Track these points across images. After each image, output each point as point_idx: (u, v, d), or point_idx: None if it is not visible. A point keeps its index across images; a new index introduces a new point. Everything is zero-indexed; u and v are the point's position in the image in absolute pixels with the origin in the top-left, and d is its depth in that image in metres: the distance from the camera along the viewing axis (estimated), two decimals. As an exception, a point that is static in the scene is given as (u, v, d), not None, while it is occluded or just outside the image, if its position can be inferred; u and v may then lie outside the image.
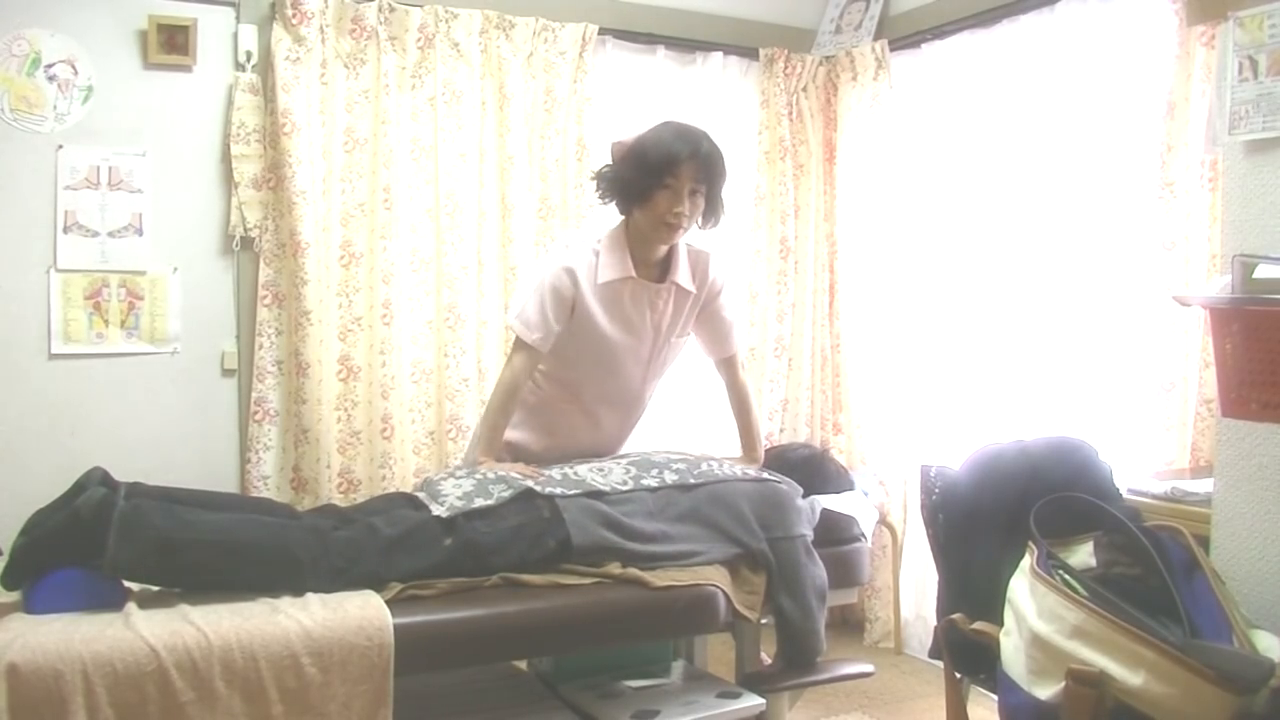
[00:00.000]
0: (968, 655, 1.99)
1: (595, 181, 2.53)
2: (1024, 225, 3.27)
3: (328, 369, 3.17)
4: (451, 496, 2.19)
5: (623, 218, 2.51)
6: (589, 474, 2.33)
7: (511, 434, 2.57)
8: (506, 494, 2.20)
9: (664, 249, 2.49)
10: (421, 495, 2.25)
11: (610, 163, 2.49)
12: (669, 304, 2.54)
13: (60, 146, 2.93)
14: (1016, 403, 3.26)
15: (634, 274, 2.47)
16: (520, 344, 2.48)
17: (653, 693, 2.40)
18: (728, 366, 2.72)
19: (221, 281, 3.13)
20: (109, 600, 1.89)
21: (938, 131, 3.58)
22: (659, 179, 2.35)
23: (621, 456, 2.53)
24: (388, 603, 1.96)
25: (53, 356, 2.93)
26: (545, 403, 2.60)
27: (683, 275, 2.53)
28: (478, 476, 2.29)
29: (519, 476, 2.28)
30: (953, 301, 3.54)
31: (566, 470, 2.35)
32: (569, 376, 2.57)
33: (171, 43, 3.03)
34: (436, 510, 2.15)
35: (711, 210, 2.48)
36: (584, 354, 2.52)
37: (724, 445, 3.69)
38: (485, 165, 3.35)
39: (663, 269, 2.53)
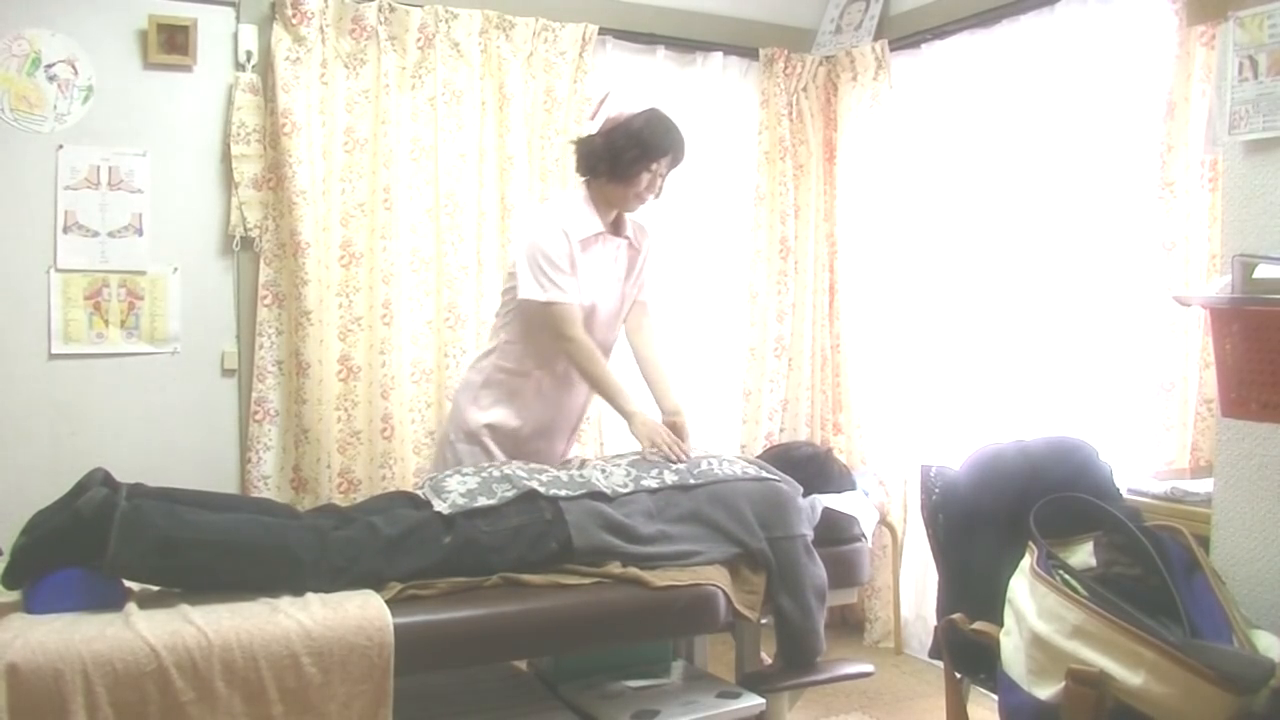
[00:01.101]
0: (968, 655, 1.99)
1: (581, 146, 2.67)
2: (1024, 225, 3.27)
3: (328, 369, 3.17)
4: (455, 494, 2.20)
5: (584, 181, 2.68)
6: (593, 474, 2.34)
7: (485, 416, 2.64)
8: (510, 494, 2.20)
9: (614, 213, 2.71)
10: (425, 490, 2.25)
11: (597, 132, 2.62)
12: (626, 256, 2.74)
13: (60, 146, 2.93)
14: (1016, 403, 3.26)
15: (604, 229, 2.65)
16: (562, 314, 2.55)
17: (653, 693, 2.40)
18: (638, 311, 2.79)
19: (221, 281, 3.13)
20: (109, 600, 1.89)
21: (938, 131, 3.57)
22: (646, 163, 2.59)
23: (622, 456, 2.54)
24: (388, 602, 1.96)
25: (53, 356, 2.93)
26: (517, 377, 2.66)
27: (631, 232, 2.75)
28: (483, 475, 2.29)
29: (524, 475, 2.28)
30: (952, 302, 3.54)
31: (574, 472, 2.36)
32: (545, 347, 2.63)
33: (171, 43, 3.03)
34: (439, 506, 2.15)
35: (662, 189, 2.71)
36: None
37: (721, 442, 3.71)
38: (485, 165, 3.35)
39: (616, 226, 2.73)
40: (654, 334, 2.82)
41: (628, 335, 2.82)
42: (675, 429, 2.57)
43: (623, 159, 2.57)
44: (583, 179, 2.69)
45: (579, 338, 2.56)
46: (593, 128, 2.64)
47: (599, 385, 2.61)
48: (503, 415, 2.66)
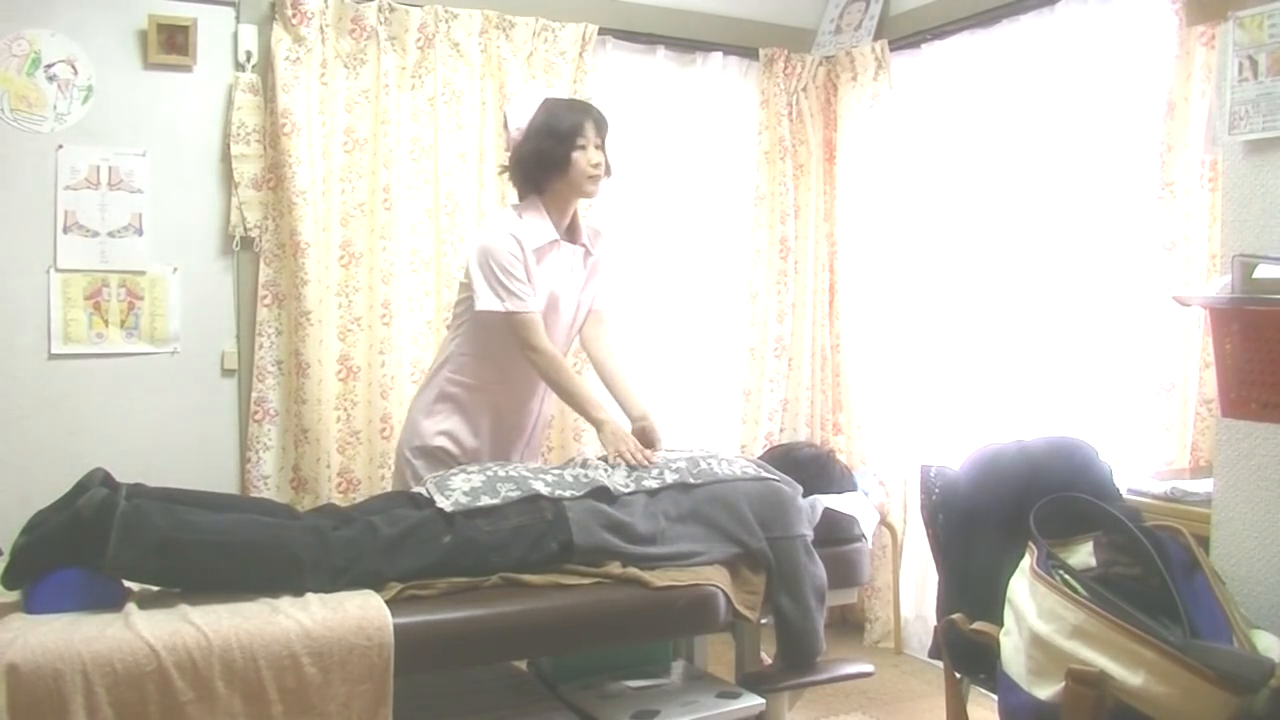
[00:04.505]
0: (968, 655, 1.99)
1: (513, 167, 2.65)
2: (1024, 225, 3.27)
3: (328, 369, 3.17)
4: (459, 491, 2.20)
5: (530, 194, 2.63)
6: (597, 473, 2.34)
7: (439, 428, 2.61)
8: (514, 495, 2.20)
9: (569, 217, 2.67)
10: (428, 488, 2.25)
11: (514, 149, 2.64)
12: (581, 264, 2.70)
13: (60, 146, 2.93)
14: (1016, 403, 3.26)
15: (558, 236, 2.62)
16: (525, 323, 2.51)
17: (653, 693, 2.40)
18: (594, 320, 2.77)
19: (221, 281, 3.13)
20: (109, 600, 1.89)
21: (937, 131, 3.58)
22: (569, 145, 2.57)
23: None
24: (388, 603, 1.96)
25: (53, 356, 2.93)
26: (472, 391, 2.63)
27: (586, 238, 2.71)
28: (488, 474, 2.29)
29: (529, 475, 2.27)
30: (952, 302, 3.54)
31: (578, 470, 2.36)
32: (500, 358, 2.60)
33: (171, 43, 3.03)
34: (442, 503, 2.15)
35: (608, 162, 2.66)
36: None
37: (721, 442, 3.71)
38: (485, 165, 3.35)
39: (571, 233, 2.68)
40: (612, 342, 2.79)
41: (585, 345, 2.80)
42: (645, 434, 2.57)
43: (548, 155, 2.57)
44: (533, 195, 2.63)
45: (545, 348, 2.53)
46: (513, 150, 2.64)
47: (568, 396, 2.57)
48: (458, 430, 2.62)
